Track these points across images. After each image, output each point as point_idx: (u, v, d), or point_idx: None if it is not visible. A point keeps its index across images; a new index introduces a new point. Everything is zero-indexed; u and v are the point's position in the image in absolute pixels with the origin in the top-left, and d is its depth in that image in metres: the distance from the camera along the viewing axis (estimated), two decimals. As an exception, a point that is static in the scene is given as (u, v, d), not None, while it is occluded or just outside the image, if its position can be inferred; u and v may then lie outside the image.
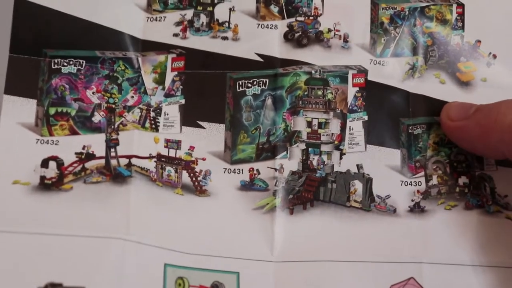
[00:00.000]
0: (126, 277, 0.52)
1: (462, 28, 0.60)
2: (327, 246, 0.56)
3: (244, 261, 0.55)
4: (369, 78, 0.59)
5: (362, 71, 0.59)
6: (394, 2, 0.60)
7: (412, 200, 0.57)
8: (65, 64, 0.56)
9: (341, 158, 0.58)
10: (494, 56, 0.60)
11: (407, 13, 0.60)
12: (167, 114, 0.58)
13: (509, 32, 0.60)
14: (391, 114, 0.59)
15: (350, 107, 0.59)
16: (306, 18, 0.60)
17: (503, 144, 0.54)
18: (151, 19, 0.59)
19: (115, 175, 0.55)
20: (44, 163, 0.54)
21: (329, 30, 0.59)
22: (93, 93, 0.56)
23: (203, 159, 0.57)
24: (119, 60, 0.57)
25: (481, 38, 0.60)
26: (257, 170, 0.57)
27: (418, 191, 0.58)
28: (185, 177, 0.57)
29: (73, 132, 0.56)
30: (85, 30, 0.57)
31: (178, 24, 0.59)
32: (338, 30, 0.59)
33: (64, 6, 0.57)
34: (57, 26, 0.57)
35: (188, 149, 0.57)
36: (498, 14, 0.61)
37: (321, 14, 0.60)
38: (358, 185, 0.57)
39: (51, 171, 0.54)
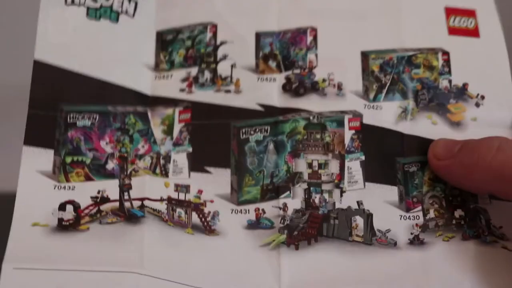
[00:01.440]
0: (141, 309, 0.56)
1: (449, 72, 0.66)
2: (332, 280, 0.59)
3: (253, 296, 0.59)
4: (364, 121, 0.64)
5: (357, 115, 0.64)
6: (382, 53, 0.67)
7: (412, 233, 0.61)
8: (80, 118, 0.63)
9: (341, 195, 0.63)
10: (482, 97, 0.65)
11: (395, 61, 0.66)
12: (176, 161, 0.63)
13: (494, 74, 0.66)
14: (387, 153, 0.64)
15: (348, 149, 0.64)
16: (302, 70, 0.66)
17: (486, 183, 0.58)
18: (159, 77, 0.66)
19: (129, 216, 0.60)
20: (62, 207, 0.60)
21: (324, 80, 0.66)
22: (106, 143, 0.63)
23: (211, 201, 0.62)
24: (130, 114, 0.64)
25: (468, 81, 0.66)
26: (263, 209, 0.62)
27: (416, 224, 0.62)
28: (195, 218, 0.61)
29: (88, 179, 0.62)
30: (98, 88, 0.64)
31: (184, 80, 0.66)
32: (332, 80, 0.66)
33: (79, 66, 0.64)
34: (72, 84, 0.64)
35: (197, 193, 0.62)
36: (483, 58, 0.67)
37: (315, 66, 0.66)
38: (359, 221, 0.62)
39: (68, 213, 0.59)
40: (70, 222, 0.59)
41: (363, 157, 0.64)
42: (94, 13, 0.66)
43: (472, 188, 0.62)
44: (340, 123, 0.64)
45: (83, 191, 0.61)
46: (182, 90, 0.66)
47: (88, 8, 0.66)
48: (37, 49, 0.64)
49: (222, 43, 0.67)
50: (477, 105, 0.66)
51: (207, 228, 0.61)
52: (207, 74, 0.66)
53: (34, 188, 0.60)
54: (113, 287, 0.57)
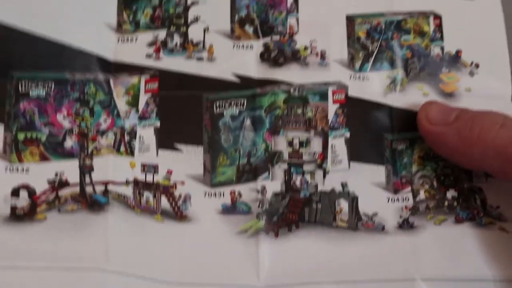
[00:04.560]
0: (108, 310, 0.52)
1: (441, 39, 0.61)
2: (315, 268, 0.55)
3: (230, 288, 0.55)
4: (350, 93, 0.59)
5: (342, 87, 0.59)
6: (370, 17, 0.61)
7: (401, 217, 0.57)
8: (33, 86, 0.56)
9: (324, 177, 0.58)
10: (477, 65, 0.61)
11: (383, 27, 0.61)
12: (142, 137, 0.57)
13: (490, 41, 0.61)
14: (374, 129, 0.59)
15: (331, 125, 0.59)
16: (282, 37, 0.60)
17: (484, 160, 0.54)
18: (123, 40, 0.59)
19: (91, 203, 0.55)
20: (15, 192, 0.54)
21: (306, 48, 0.60)
22: (64, 117, 0.56)
23: (182, 183, 0.57)
24: (90, 82, 0.57)
25: (462, 48, 0.61)
26: (239, 192, 0.57)
27: (406, 207, 0.58)
28: (164, 202, 0.56)
29: (44, 158, 0.56)
30: (54, 51, 0.57)
31: (151, 44, 0.59)
32: (314, 47, 0.60)
33: (31, 25, 0.57)
34: (23, 46, 0.57)
35: (166, 173, 0.57)
36: (477, 23, 0.62)
37: (296, 32, 0.60)
38: (343, 204, 0.57)
39: (23, 200, 0.54)
40: (25, 211, 0.54)
41: (348, 134, 0.59)
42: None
43: (465, 163, 0.57)
44: (323, 96, 0.59)
45: (39, 174, 0.55)
46: (148, 56, 0.59)
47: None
48: None
49: (193, 3, 0.60)
50: (471, 74, 0.61)
51: (178, 213, 0.56)
52: (177, 38, 0.60)
53: (-19, 171, 0.54)
54: (75, 287, 0.51)
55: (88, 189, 0.55)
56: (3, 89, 0.56)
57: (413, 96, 0.60)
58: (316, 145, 0.58)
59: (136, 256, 0.54)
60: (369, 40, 0.60)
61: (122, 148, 0.57)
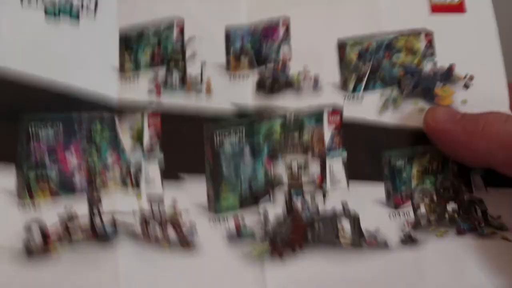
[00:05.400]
0: None
1: (433, 54, 0.62)
2: (321, 287, 0.56)
3: (238, 312, 0.56)
4: (345, 114, 0.61)
5: (337, 109, 0.61)
6: (360, 39, 0.62)
7: (403, 232, 0.58)
8: (43, 128, 0.59)
9: (324, 197, 0.59)
10: (471, 78, 0.61)
11: (374, 47, 0.62)
12: (147, 170, 0.60)
13: (483, 52, 0.62)
14: (371, 148, 0.60)
15: (328, 146, 0.60)
16: (276, 65, 0.62)
17: (489, 153, 0.55)
18: (125, 79, 0.61)
19: (100, 234, 0.57)
20: (26, 228, 0.56)
21: (299, 74, 0.61)
22: (71, 154, 0.59)
23: (187, 212, 0.58)
24: (96, 120, 0.60)
25: (455, 62, 0.62)
26: (242, 218, 0.58)
27: (407, 222, 0.58)
28: (170, 231, 0.58)
29: (54, 194, 0.58)
30: (61, 93, 0.60)
31: (152, 81, 0.61)
32: (308, 72, 0.61)
33: (39, 70, 0.60)
34: (33, 90, 0.59)
35: (171, 203, 0.58)
36: (469, 36, 0.62)
37: (289, 59, 0.62)
38: (345, 223, 0.58)
39: (34, 234, 0.56)
40: (37, 245, 0.56)
41: (345, 154, 0.60)
42: (53, 12, 0.62)
43: (471, 158, 0.58)
44: (319, 119, 0.61)
45: (49, 209, 0.57)
46: (150, 92, 0.61)
47: (46, 9, 0.61)
48: None
49: (190, 39, 0.63)
50: (466, 86, 0.62)
51: (184, 241, 0.58)
52: (176, 75, 0.62)
53: (-5, 210, 0.57)
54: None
55: (97, 221, 0.57)
56: (14, 132, 0.58)
57: (409, 113, 0.61)
58: (314, 167, 0.60)
59: (146, 283, 0.56)
60: (361, 62, 0.62)
61: (128, 181, 0.59)
